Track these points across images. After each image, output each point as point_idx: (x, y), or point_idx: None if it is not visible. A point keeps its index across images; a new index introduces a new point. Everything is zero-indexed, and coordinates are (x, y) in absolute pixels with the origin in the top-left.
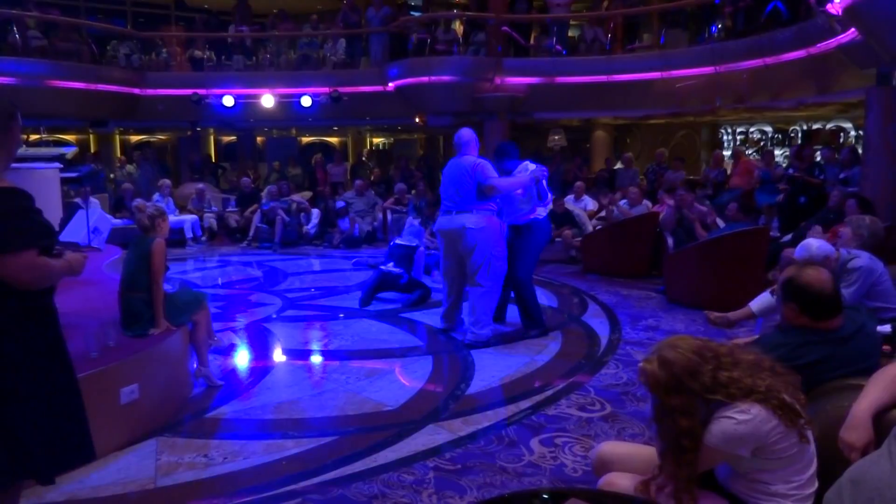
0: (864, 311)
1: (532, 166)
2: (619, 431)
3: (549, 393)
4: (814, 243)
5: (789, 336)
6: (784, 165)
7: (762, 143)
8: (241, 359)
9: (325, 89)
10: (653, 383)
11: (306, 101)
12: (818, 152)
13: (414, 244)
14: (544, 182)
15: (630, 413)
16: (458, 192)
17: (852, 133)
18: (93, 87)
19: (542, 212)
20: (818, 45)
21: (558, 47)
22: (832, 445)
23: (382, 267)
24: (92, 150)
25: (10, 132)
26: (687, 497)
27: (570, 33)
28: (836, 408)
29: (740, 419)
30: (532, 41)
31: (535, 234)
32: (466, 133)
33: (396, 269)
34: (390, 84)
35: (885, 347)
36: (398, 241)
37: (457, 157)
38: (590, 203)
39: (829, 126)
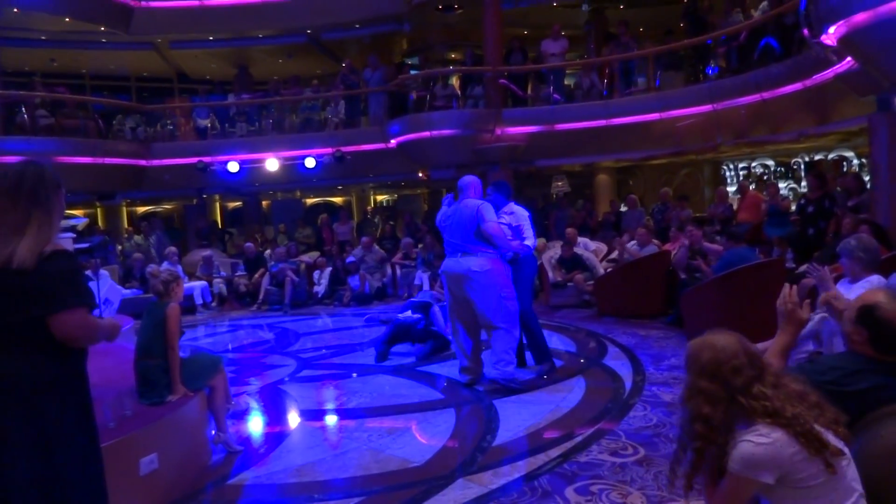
0: None
1: (519, 209)
2: (656, 475)
3: (578, 439)
4: None
5: (847, 360)
6: (791, 197)
7: (765, 177)
8: (260, 422)
9: (329, 150)
10: (693, 359)
11: (310, 163)
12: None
13: (427, 300)
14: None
15: (665, 455)
16: (463, 236)
17: (855, 161)
18: (100, 160)
19: (521, 244)
20: (814, 76)
21: (556, 96)
22: (891, 471)
23: (399, 315)
24: (99, 223)
25: (59, 200)
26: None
27: (566, 81)
28: (892, 434)
29: (758, 441)
30: (529, 91)
31: (524, 267)
32: (468, 178)
33: (413, 316)
34: (392, 141)
35: None
36: (414, 300)
37: (458, 202)
38: (589, 244)
39: (830, 156)
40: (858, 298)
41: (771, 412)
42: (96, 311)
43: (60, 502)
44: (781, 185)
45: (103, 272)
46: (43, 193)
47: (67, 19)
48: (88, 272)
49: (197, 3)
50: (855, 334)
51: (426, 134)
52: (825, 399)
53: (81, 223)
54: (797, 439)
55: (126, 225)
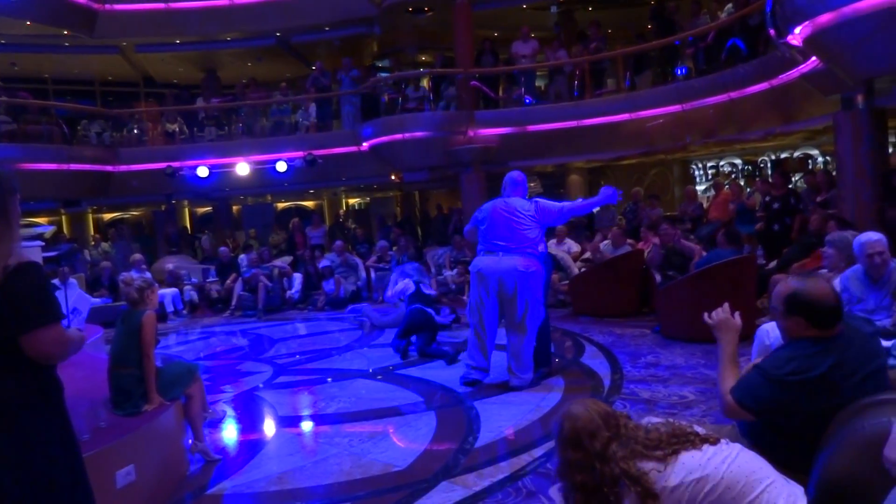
0: (849, 315)
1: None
2: None
3: None
4: None
5: (797, 349)
6: (753, 190)
7: (733, 176)
8: (237, 430)
9: (300, 153)
10: (558, 435)
11: (281, 167)
12: (797, 177)
13: (431, 292)
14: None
15: None
16: (509, 233)
17: (819, 159)
18: (65, 167)
19: (543, 247)
20: (780, 76)
21: (527, 98)
22: (873, 464)
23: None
24: (65, 231)
25: (15, 207)
26: None
27: (537, 83)
28: (872, 425)
29: None
30: (501, 93)
31: (546, 267)
32: (518, 175)
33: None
34: (364, 144)
35: None
36: (424, 287)
37: (503, 197)
38: (573, 246)
39: (796, 154)
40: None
41: (619, 476)
42: (64, 322)
43: None
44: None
45: (72, 281)
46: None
47: (29, 23)
48: (56, 281)
49: (163, 5)
50: (793, 324)
51: (398, 136)
52: (675, 431)
53: (48, 231)
54: (639, 498)
55: (92, 232)
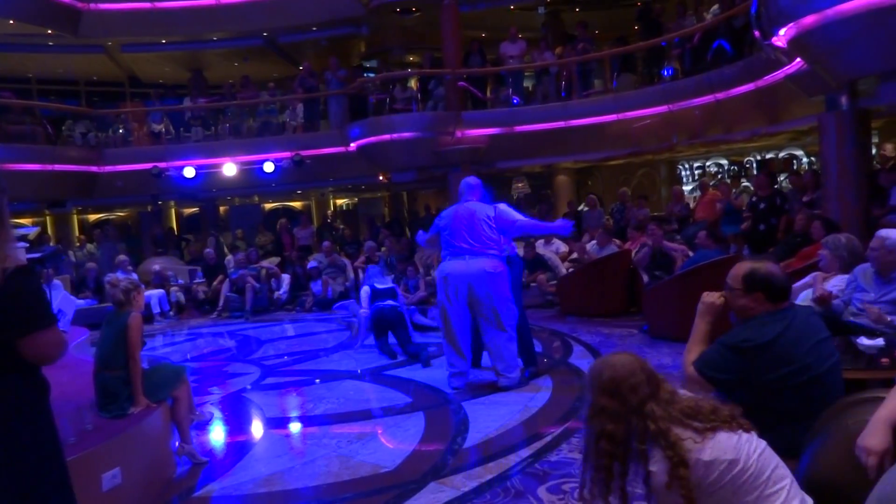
0: None
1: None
2: None
3: (548, 439)
4: None
5: (751, 322)
6: (739, 191)
7: (720, 176)
8: (225, 432)
9: (287, 154)
10: (594, 379)
11: (269, 167)
12: (783, 177)
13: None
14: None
15: None
16: (473, 237)
17: (804, 160)
18: (49, 167)
19: (514, 248)
20: (765, 77)
21: (515, 98)
22: (857, 461)
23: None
24: (49, 232)
25: (5, 207)
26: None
27: (524, 84)
28: (856, 422)
29: (652, 470)
30: (489, 93)
31: (515, 267)
32: (473, 179)
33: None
34: (352, 144)
35: (884, 360)
36: (377, 286)
37: (463, 202)
38: (561, 246)
39: (781, 155)
40: (731, 277)
41: (654, 434)
42: None
43: None
44: (745, 183)
45: (56, 282)
46: None
47: (12, 21)
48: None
49: (149, 5)
50: (753, 302)
51: (386, 137)
52: (718, 404)
53: (33, 232)
54: (669, 463)
55: (77, 233)
